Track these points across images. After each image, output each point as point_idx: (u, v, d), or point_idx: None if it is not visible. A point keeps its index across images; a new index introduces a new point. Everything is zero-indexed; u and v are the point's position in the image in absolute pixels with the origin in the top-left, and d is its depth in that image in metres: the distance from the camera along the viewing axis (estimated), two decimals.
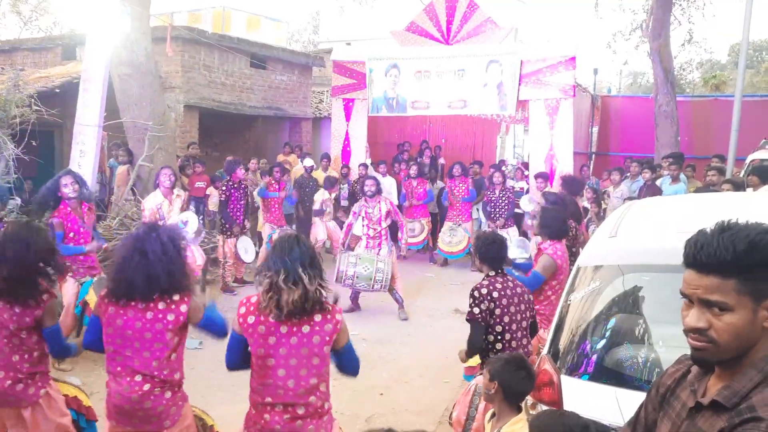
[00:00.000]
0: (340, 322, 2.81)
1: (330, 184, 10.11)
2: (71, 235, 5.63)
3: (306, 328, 2.75)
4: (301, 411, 2.76)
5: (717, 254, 1.45)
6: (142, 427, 3.03)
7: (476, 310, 3.75)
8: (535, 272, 4.81)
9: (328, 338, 2.78)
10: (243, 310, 2.82)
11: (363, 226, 7.76)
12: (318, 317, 2.77)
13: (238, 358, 2.89)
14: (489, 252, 3.97)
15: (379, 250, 7.61)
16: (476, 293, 3.78)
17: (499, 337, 3.79)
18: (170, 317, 2.98)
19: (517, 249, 7.61)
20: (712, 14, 15.74)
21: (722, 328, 1.45)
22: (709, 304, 1.46)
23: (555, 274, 4.82)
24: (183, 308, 3.02)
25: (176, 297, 3.02)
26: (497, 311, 3.76)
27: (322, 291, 2.79)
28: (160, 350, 2.97)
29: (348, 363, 2.95)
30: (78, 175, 5.93)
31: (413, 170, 10.49)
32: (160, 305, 2.99)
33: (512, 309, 3.82)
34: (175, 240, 3.07)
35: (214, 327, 3.20)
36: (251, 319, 2.78)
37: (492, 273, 3.92)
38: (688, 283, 1.50)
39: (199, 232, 7.48)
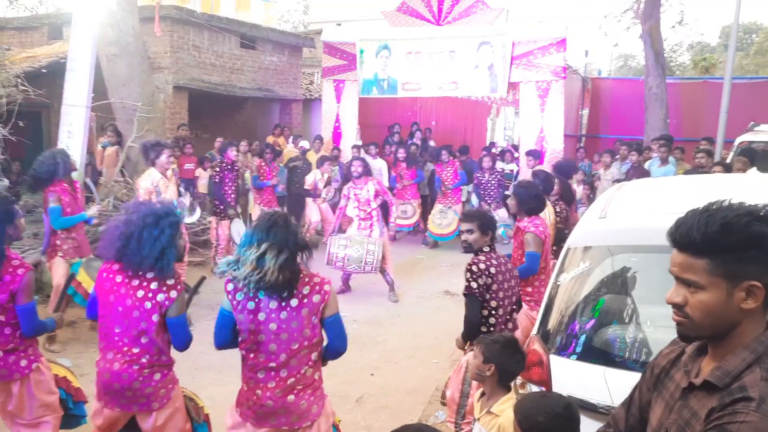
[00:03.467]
0: (328, 293, 2.81)
1: (322, 163, 10.11)
2: (68, 210, 5.58)
3: (294, 302, 2.75)
4: (291, 382, 2.77)
5: (688, 233, 1.48)
6: (129, 408, 3.03)
7: (474, 285, 3.75)
8: (530, 253, 4.77)
9: (316, 309, 2.78)
10: (231, 287, 2.81)
11: (353, 207, 7.76)
12: (306, 289, 2.78)
13: (227, 335, 2.88)
14: (491, 223, 4.00)
15: (371, 231, 7.62)
16: (474, 268, 3.77)
17: (494, 312, 3.82)
18: (160, 297, 2.98)
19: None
20: None
21: (695, 305, 1.48)
22: (685, 281, 1.50)
23: (543, 247, 4.85)
24: (173, 294, 3.01)
25: (170, 281, 3.02)
26: (494, 286, 3.79)
27: (307, 266, 2.81)
28: (148, 329, 2.97)
29: (335, 335, 2.88)
30: (68, 154, 5.91)
31: (401, 154, 10.51)
32: (153, 285, 2.99)
33: (506, 285, 3.87)
34: (171, 221, 3.05)
35: (181, 332, 3.07)
36: (240, 296, 2.77)
37: (486, 249, 3.94)
38: (671, 260, 1.54)
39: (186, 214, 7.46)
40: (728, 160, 8.49)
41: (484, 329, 3.81)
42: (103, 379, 3.01)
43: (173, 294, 3.01)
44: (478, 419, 2.90)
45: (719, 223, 1.44)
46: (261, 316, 2.75)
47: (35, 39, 13.25)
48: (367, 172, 7.76)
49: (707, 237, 1.45)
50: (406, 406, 4.84)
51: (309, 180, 9.91)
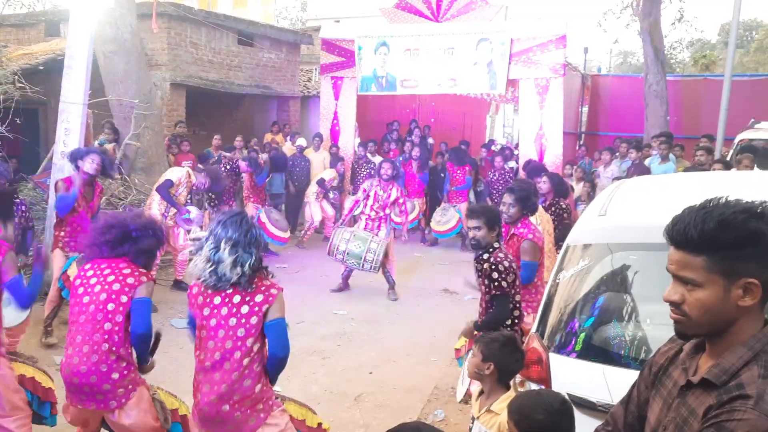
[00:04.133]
0: (274, 296, 2.83)
1: (336, 163, 10.29)
2: (75, 205, 5.65)
3: (237, 298, 2.81)
4: (224, 388, 2.77)
5: (686, 231, 1.47)
6: (88, 404, 3.06)
7: (504, 284, 3.78)
8: (527, 263, 4.50)
9: (257, 308, 2.79)
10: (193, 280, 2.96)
11: (366, 205, 7.69)
12: (250, 288, 2.82)
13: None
14: (498, 218, 4.02)
15: (378, 231, 7.57)
16: (500, 267, 3.78)
17: (518, 306, 3.91)
18: (130, 280, 3.12)
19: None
20: None
21: (692, 303, 1.48)
22: (682, 279, 1.49)
23: (540, 255, 4.65)
24: (143, 278, 3.17)
25: (142, 269, 3.20)
26: (516, 281, 3.86)
27: (262, 269, 2.88)
28: (113, 312, 3.04)
29: (275, 340, 2.82)
30: (105, 158, 5.91)
31: (415, 152, 10.62)
32: (125, 270, 3.15)
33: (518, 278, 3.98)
34: (150, 225, 3.26)
35: (143, 313, 3.11)
36: (195, 290, 2.89)
37: (496, 245, 3.94)
38: (668, 258, 1.53)
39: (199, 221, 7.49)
40: (728, 158, 8.48)
41: (508, 322, 3.86)
42: (64, 374, 3.06)
43: (143, 279, 3.15)
44: (478, 418, 2.88)
45: (716, 220, 1.43)
46: (206, 311, 2.83)
47: (32, 36, 13.21)
48: (396, 176, 7.70)
49: (704, 234, 1.44)
50: (404, 404, 4.83)
51: (329, 175, 9.98)
